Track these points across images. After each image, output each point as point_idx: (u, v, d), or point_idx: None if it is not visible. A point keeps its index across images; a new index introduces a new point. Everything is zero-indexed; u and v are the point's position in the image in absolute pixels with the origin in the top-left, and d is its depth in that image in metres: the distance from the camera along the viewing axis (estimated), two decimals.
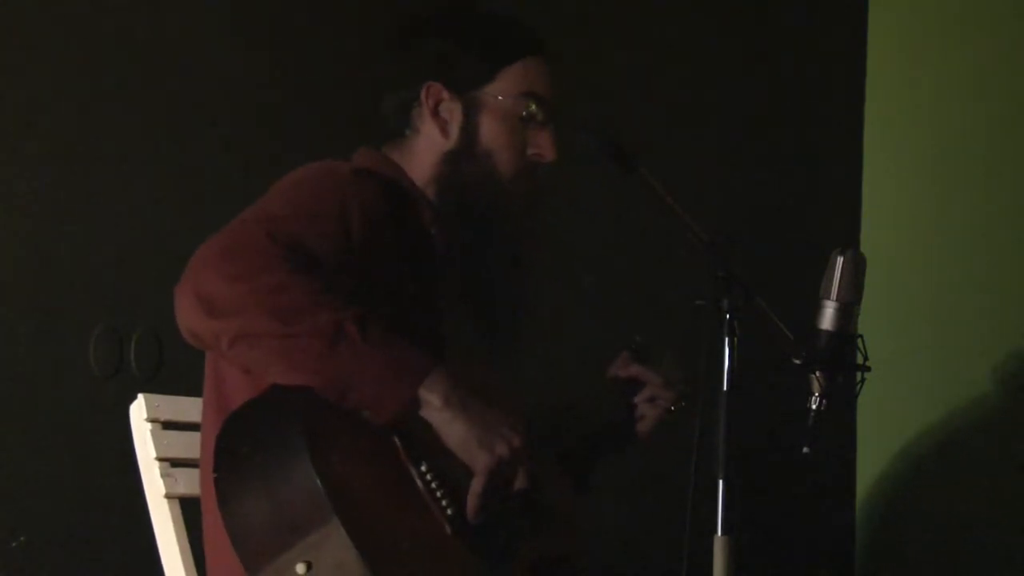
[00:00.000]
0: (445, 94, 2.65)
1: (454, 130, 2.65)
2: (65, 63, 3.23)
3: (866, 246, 4.27)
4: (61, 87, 3.22)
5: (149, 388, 2.75)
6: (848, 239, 4.27)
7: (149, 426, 2.68)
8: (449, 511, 2.40)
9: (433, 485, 2.40)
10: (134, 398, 2.70)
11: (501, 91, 2.65)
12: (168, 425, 2.70)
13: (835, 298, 2.51)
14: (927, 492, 4.27)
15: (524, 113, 2.65)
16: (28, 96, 3.18)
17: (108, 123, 3.27)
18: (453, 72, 2.65)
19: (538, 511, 2.54)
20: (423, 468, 2.40)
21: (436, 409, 2.39)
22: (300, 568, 2.25)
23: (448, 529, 2.40)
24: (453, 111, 2.65)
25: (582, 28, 3.99)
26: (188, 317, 2.37)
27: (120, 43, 3.29)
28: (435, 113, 2.65)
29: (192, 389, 2.76)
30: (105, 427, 3.05)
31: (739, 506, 2.35)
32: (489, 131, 2.65)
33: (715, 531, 2.35)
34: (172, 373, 3.28)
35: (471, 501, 2.41)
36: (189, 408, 2.73)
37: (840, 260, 2.52)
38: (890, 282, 4.16)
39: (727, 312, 2.40)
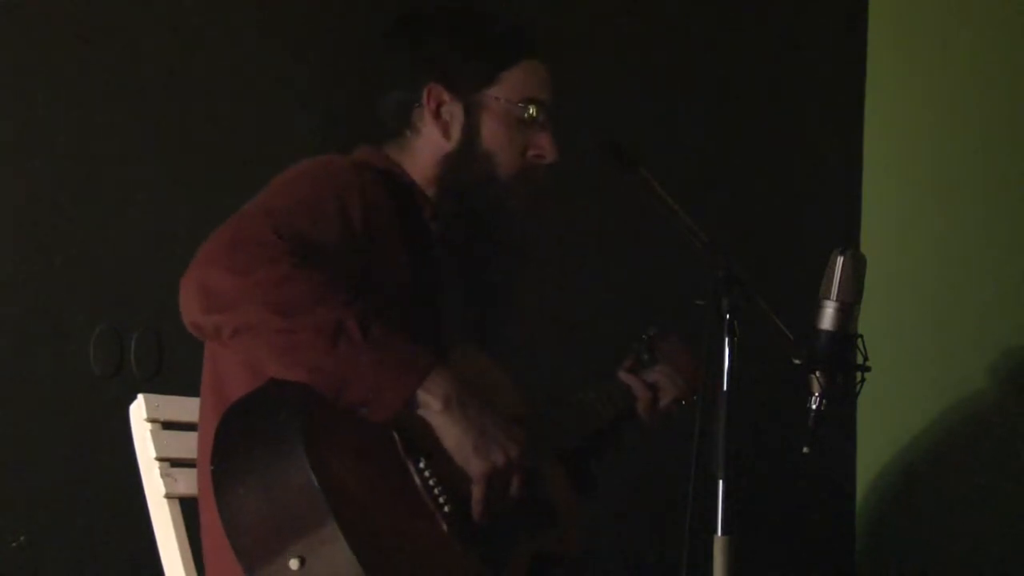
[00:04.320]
0: (446, 96, 2.66)
1: (455, 132, 2.66)
2: (66, 63, 3.22)
3: (866, 246, 4.28)
4: (61, 87, 3.22)
5: (149, 388, 2.75)
6: (848, 239, 4.27)
7: (149, 426, 2.68)
8: (446, 508, 2.40)
9: (431, 482, 2.40)
10: (134, 398, 2.70)
11: (502, 93, 2.67)
12: (168, 425, 2.71)
13: (835, 298, 2.50)
14: (927, 492, 4.27)
15: (524, 116, 2.66)
16: (28, 96, 3.18)
17: (108, 123, 3.27)
18: (454, 74, 2.66)
19: (535, 509, 2.54)
20: (421, 465, 2.40)
21: (435, 412, 2.39)
22: (293, 564, 2.25)
23: (444, 527, 2.40)
24: (454, 113, 2.66)
25: (581, 28, 3.99)
26: (191, 309, 2.39)
27: (121, 43, 3.29)
28: (437, 115, 2.66)
29: (192, 389, 2.76)
30: (105, 427, 3.05)
31: (739, 506, 2.35)
32: (490, 133, 2.67)
33: (715, 531, 2.35)
34: (172, 373, 3.28)
35: (475, 507, 2.42)
36: (189, 408, 2.73)
37: (840, 260, 2.52)
38: (890, 282, 4.16)
39: (727, 312, 2.40)
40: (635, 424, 2.90)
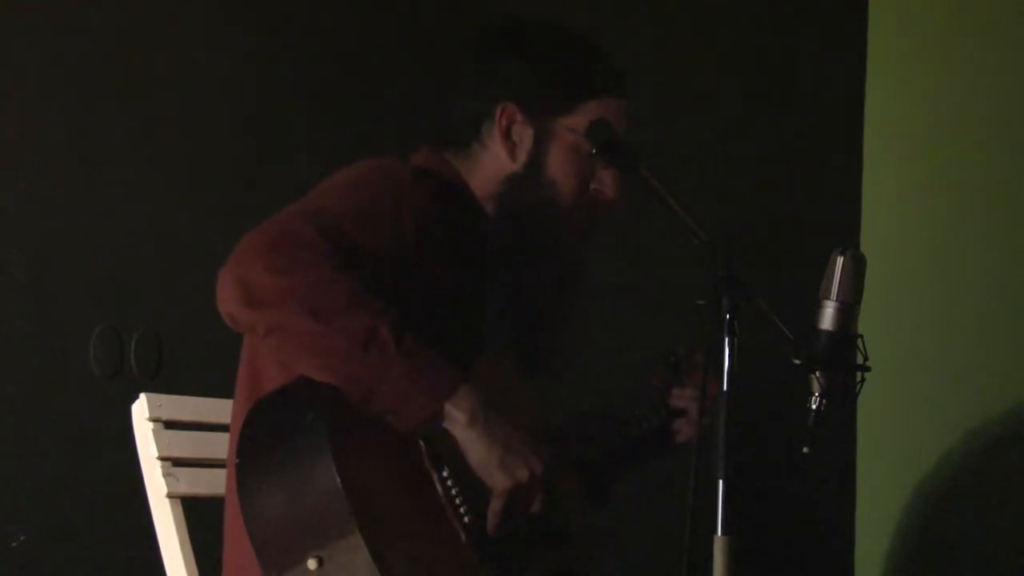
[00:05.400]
0: (519, 117, 2.63)
1: (522, 155, 2.63)
2: (66, 63, 3.23)
3: (866, 246, 4.27)
4: (61, 88, 3.22)
5: (149, 388, 2.75)
6: (848, 239, 4.27)
7: (151, 425, 2.68)
8: (466, 519, 2.41)
9: (453, 492, 2.41)
10: (134, 398, 2.70)
11: (575, 125, 2.63)
12: (170, 424, 2.71)
13: (835, 298, 2.50)
14: (927, 492, 4.27)
15: (594, 151, 2.64)
16: (28, 97, 3.18)
17: (108, 124, 3.27)
18: (531, 97, 2.63)
19: (552, 524, 2.54)
20: (445, 474, 2.41)
21: (462, 426, 2.40)
22: (312, 564, 2.26)
23: (463, 537, 2.40)
24: (524, 135, 2.63)
25: (580, 28, 3.98)
26: (228, 302, 2.39)
27: (121, 44, 3.30)
28: (506, 134, 2.63)
29: (192, 389, 2.76)
30: (105, 427, 3.05)
31: (739, 506, 2.35)
32: (556, 161, 2.64)
33: (715, 531, 2.35)
34: (172, 373, 3.28)
35: (491, 519, 2.43)
36: (191, 407, 2.73)
37: (840, 260, 2.51)
38: (890, 282, 4.16)
39: (727, 312, 2.40)
40: (661, 446, 2.87)
